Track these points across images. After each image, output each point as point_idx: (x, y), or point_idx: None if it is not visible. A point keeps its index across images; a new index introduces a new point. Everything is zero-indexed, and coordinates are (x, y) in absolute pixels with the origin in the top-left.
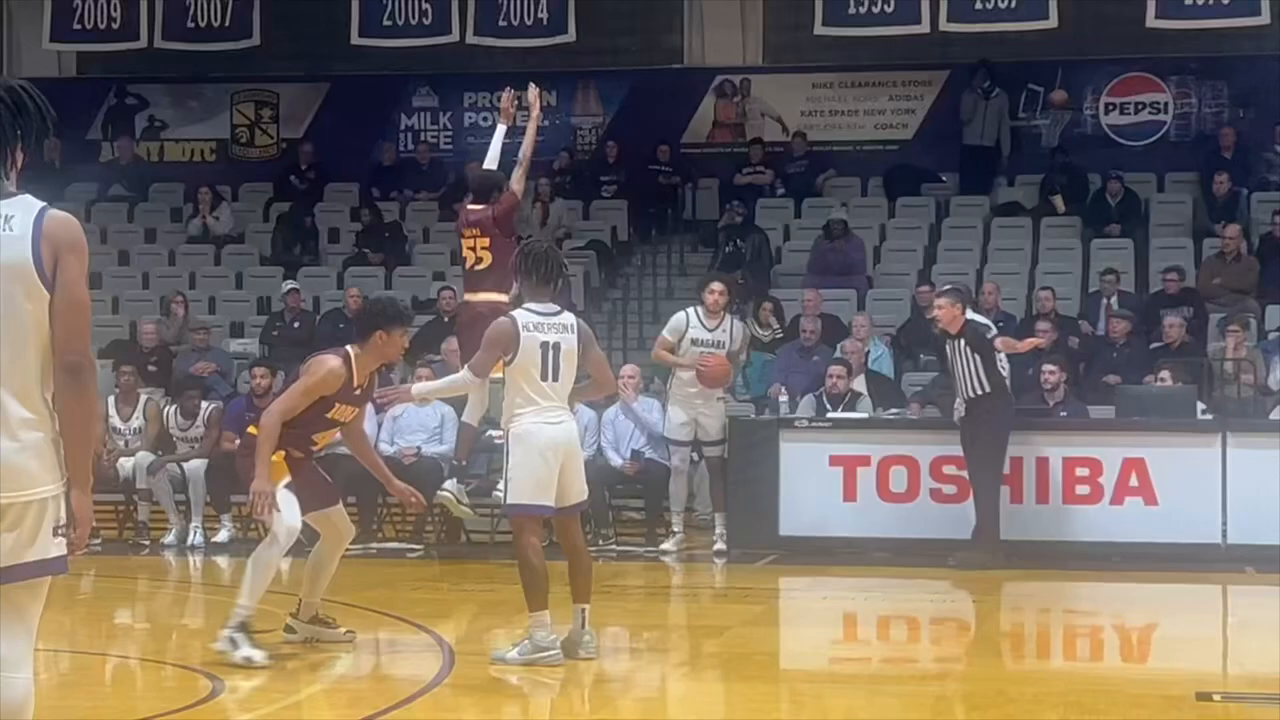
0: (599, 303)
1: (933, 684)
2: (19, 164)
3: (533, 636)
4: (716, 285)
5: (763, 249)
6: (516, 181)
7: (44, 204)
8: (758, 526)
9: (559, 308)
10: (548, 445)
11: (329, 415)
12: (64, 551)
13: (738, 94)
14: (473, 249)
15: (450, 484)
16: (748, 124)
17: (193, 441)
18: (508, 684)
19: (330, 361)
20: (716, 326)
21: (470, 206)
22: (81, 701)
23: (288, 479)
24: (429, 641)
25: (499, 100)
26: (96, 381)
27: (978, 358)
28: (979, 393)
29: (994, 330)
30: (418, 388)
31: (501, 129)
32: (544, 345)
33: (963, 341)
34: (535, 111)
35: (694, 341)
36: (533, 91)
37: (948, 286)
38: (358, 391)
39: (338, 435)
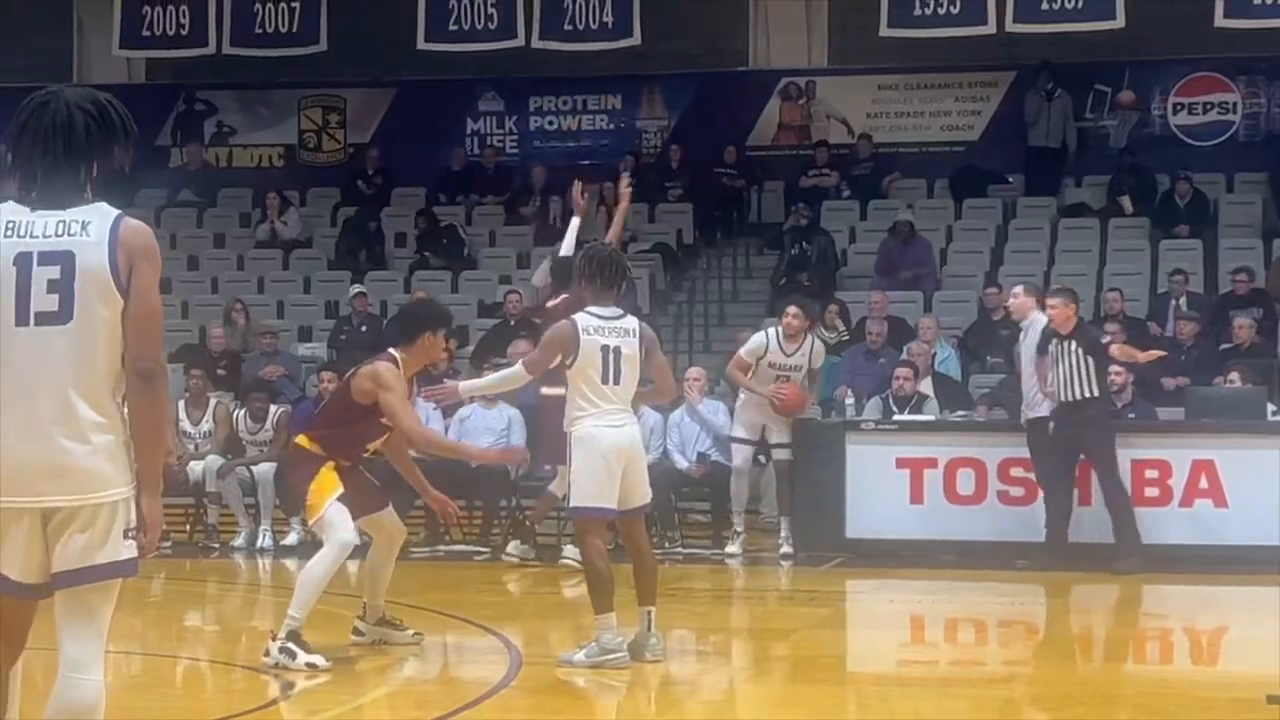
0: (664, 306)
1: (1000, 687)
2: (95, 174)
3: (599, 639)
4: (791, 308)
5: (828, 251)
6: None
7: (119, 212)
8: (824, 529)
9: (621, 311)
10: (610, 448)
11: (383, 420)
12: (134, 554)
13: (803, 96)
14: None
15: (513, 546)
16: (813, 126)
17: (262, 445)
18: (574, 686)
19: (389, 366)
20: (795, 350)
21: (550, 304)
22: (152, 703)
23: (340, 490)
24: (496, 644)
25: (564, 105)
26: (168, 388)
27: (1090, 360)
28: (1084, 396)
29: (1109, 336)
30: (465, 385)
31: (576, 221)
32: (604, 349)
33: (1073, 343)
34: (624, 204)
35: (771, 365)
36: (624, 182)
37: (1030, 287)
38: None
39: None
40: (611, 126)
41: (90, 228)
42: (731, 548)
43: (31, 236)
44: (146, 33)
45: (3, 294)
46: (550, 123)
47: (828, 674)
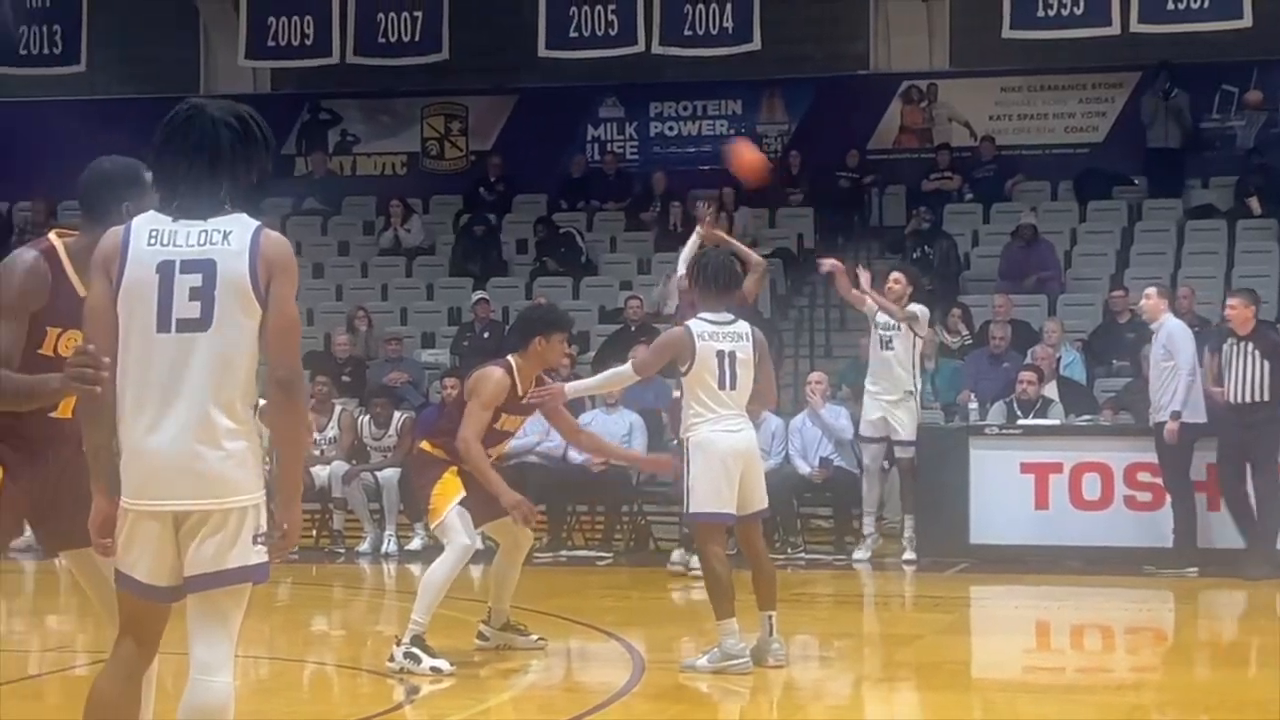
0: (785, 310)
1: (1128, 693)
2: (237, 185)
3: (722, 644)
4: (894, 274)
5: (950, 255)
6: (751, 285)
7: (259, 223)
8: (948, 534)
9: (733, 316)
10: (728, 453)
11: (498, 426)
12: (265, 559)
13: (924, 99)
14: None
15: (678, 554)
16: (935, 129)
17: (385, 451)
18: (697, 692)
19: (495, 374)
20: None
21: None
22: (279, 707)
23: (462, 494)
24: (619, 649)
25: (684, 110)
26: (306, 396)
27: (1266, 364)
28: (1256, 400)
29: None
30: (571, 385)
31: (695, 239)
32: (720, 354)
33: (1250, 345)
34: (725, 238)
35: (877, 325)
36: (705, 217)
37: (1161, 289)
38: (524, 400)
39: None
40: (731, 131)
41: (232, 238)
42: (859, 553)
43: (175, 245)
44: (271, 43)
45: (146, 300)
46: (670, 128)
47: (952, 680)
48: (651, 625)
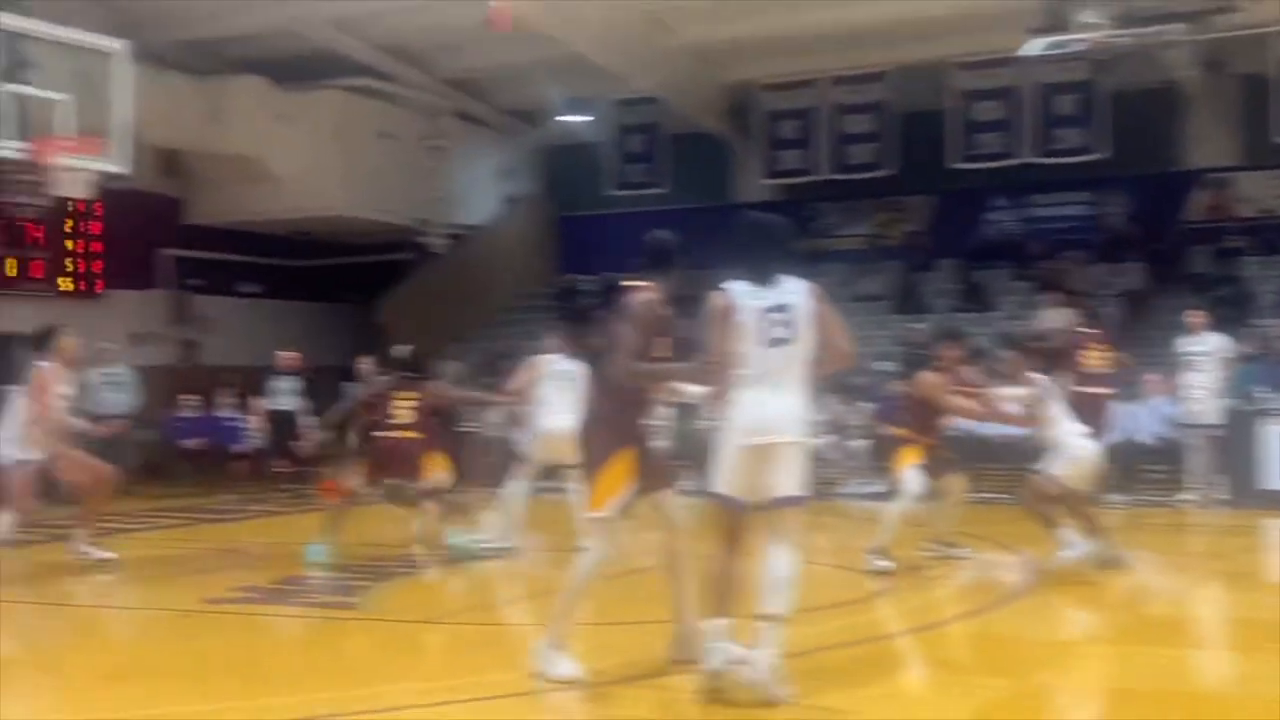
0: (1130, 337)
1: None
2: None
3: (1062, 540)
4: (1194, 311)
5: (1244, 292)
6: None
7: (806, 281)
8: (1247, 484)
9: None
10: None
11: (936, 411)
12: (809, 493)
13: (1222, 185)
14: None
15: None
16: (1230, 205)
17: (856, 428)
18: (1075, 586)
19: (933, 375)
20: (1197, 341)
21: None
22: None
23: (917, 461)
24: (1019, 559)
25: (1053, 199)
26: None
27: None
28: None
29: None
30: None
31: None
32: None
33: None
34: None
35: (1181, 354)
36: None
37: None
38: None
39: None
40: (1086, 212)
41: (796, 291)
42: (1187, 496)
43: (766, 300)
44: (779, 167)
45: (756, 331)
46: (1043, 211)
47: (1257, 582)
48: (1039, 544)
